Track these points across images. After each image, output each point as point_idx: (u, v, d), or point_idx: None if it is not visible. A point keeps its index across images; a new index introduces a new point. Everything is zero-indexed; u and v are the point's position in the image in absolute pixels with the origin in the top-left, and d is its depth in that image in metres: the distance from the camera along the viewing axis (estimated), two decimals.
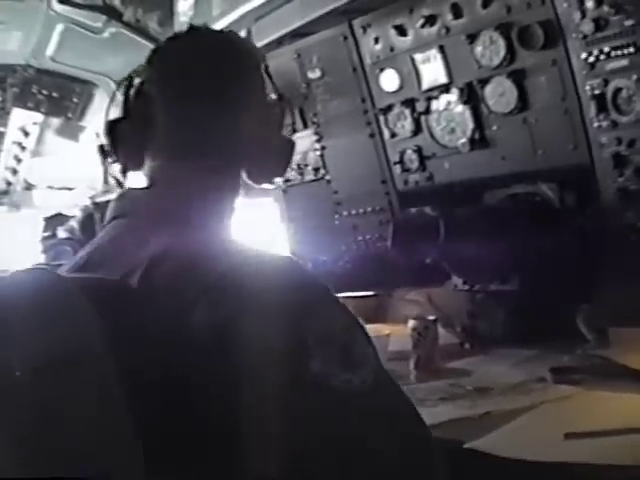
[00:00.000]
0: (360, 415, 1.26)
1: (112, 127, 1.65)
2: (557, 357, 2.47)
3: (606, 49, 2.32)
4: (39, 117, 5.05)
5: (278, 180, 1.76)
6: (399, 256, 2.84)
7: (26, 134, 5.23)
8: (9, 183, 5.60)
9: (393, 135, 3.14)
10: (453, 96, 2.85)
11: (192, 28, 1.73)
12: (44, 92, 4.72)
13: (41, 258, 4.40)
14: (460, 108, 2.83)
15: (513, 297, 2.84)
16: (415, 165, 3.09)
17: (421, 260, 2.70)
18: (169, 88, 1.60)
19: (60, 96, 4.77)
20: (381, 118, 3.16)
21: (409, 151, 3.09)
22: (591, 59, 2.36)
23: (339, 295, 1.38)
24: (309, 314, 1.28)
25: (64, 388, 1.11)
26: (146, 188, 1.60)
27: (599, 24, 2.30)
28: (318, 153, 3.47)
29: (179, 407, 1.24)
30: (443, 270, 2.92)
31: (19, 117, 5.03)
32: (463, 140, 2.85)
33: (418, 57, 2.90)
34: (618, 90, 2.33)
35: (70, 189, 5.50)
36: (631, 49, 2.26)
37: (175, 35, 1.71)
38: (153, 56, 1.67)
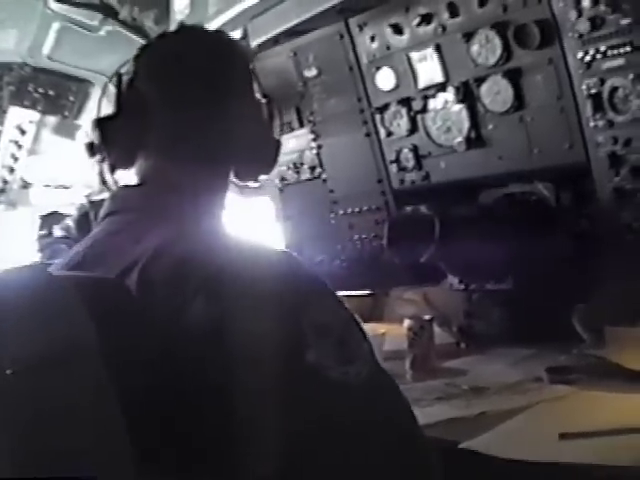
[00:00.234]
0: (353, 407, 1.27)
1: (102, 125, 1.65)
2: (553, 357, 2.48)
3: (602, 48, 2.31)
4: (35, 115, 5.04)
5: (264, 178, 1.76)
6: (395, 255, 2.84)
7: (22, 132, 5.21)
8: (5, 181, 5.58)
9: (389, 134, 3.14)
10: (449, 95, 2.84)
11: (182, 27, 1.74)
12: (40, 90, 4.70)
13: (37, 257, 4.39)
14: (456, 107, 2.83)
15: (509, 296, 2.85)
16: (411, 164, 3.08)
17: (417, 259, 2.70)
18: (159, 87, 1.61)
19: (56, 94, 4.76)
20: (377, 117, 3.15)
21: (405, 150, 3.09)
22: (587, 58, 2.36)
23: None
24: (306, 307, 1.29)
25: (58, 386, 1.11)
26: (139, 185, 1.60)
27: (595, 23, 2.30)
28: (314, 152, 3.46)
29: (176, 403, 1.24)
30: (439, 269, 2.92)
31: (15, 115, 5.02)
32: (459, 139, 2.85)
33: (414, 56, 2.89)
34: (614, 89, 2.33)
35: (66, 187, 5.49)
36: (627, 48, 2.25)
37: (164, 33, 1.71)
38: (142, 54, 1.68)
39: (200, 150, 1.60)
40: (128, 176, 1.66)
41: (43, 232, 4.75)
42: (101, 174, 1.70)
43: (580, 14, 2.33)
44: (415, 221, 2.76)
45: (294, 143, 3.50)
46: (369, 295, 3.50)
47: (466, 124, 2.81)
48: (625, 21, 2.24)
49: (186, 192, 1.56)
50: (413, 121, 3.02)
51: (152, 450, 1.19)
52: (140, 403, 1.19)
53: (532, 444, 1.84)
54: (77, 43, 4.13)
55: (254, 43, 3.02)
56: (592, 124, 2.42)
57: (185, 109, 1.59)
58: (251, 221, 3.81)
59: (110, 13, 3.87)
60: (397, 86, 3.02)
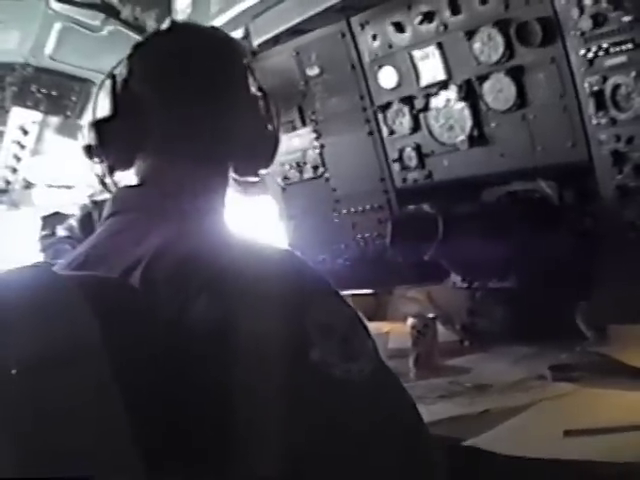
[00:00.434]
0: (357, 405, 1.27)
1: (98, 127, 1.65)
2: (556, 354, 2.48)
3: (605, 45, 2.31)
4: (38, 116, 5.05)
5: (265, 174, 1.76)
6: (398, 254, 2.84)
7: (25, 133, 5.22)
8: (8, 182, 5.59)
9: (392, 132, 3.14)
10: (452, 93, 2.84)
11: (174, 24, 1.74)
12: (43, 91, 4.70)
13: (40, 257, 4.39)
14: (459, 105, 2.83)
15: (512, 294, 2.85)
16: (414, 163, 3.08)
17: (420, 258, 2.70)
18: (154, 86, 1.61)
19: (59, 94, 4.76)
20: (380, 115, 3.15)
21: (408, 149, 3.09)
22: (590, 56, 2.35)
23: None
24: (309, 305, 1.29)
25: (62, 386, 1.11)
26: (139, 185, 1.61)
27: (597, 20, 2.30)
28: (317, 151, 3.46)
29: (179, 402, 1.24)
30: (442, 268, 2.92)
31: (18, 116, 5.03)
32: (462, 137, 2.85)
33: (416, 54, 2.89)
34: (617, 87, 2.32)
35: (69, 187, 5.50)
36: (629, 45, 2.25)
37: (157, 31, 1.71)
38: (135, 53, 1.67)
39: (198, 148, 1.60)
40: (128, 177, 1.67)
41: (45, 232, 4.75)
42: (100, 175, 1.70)
43: (582, 12, 2.33)
44: (418, 220, 2.76)
45: (297, 142, 3.50)
46: (372, 294, 3.50)
47: (468, 122, 2.81)
48: (627, 18, 2.23)
49: (186, 190, 1.56)
50: (415, 119, 3.02)
51: (156, 450, 1.19)
52: (144, 402, 1.19)
53: (536, 441, 1.85)
54: (79, 43, 4.13)
55: (256, 42, 3.03)
56: (595, 122, 2.42)
57: (181, 107, 1.60)
58: (254, 220, 3.81)
59: (112, 13, 3.87)
60: (399, 84, 3.02)
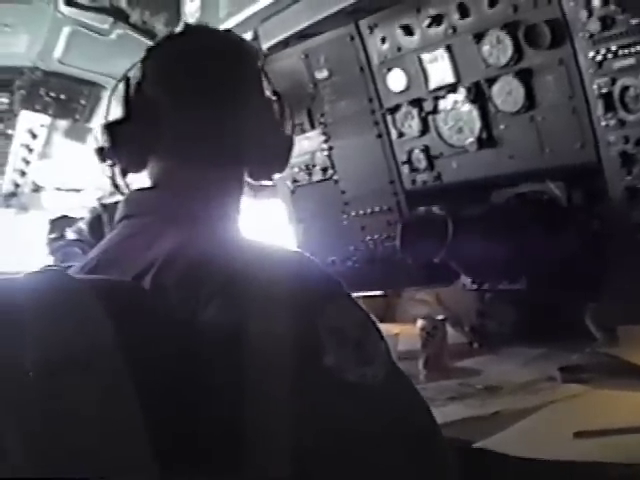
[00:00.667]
0: (372, 409, 1.28)
1: (111, 129, 1.66)
2: (566, 356, 2.48)
3: (613, 48, 2.31)
4: (47, 119, 5.06)
5: (277, 178, 1.77)
6: (408, 256, 2.84)
7: (34, 136, 5.24)
8: (17, 185, 5.61)
9: (401, 135, 3.14)
10: (460, 95, 2.84)
11: (188, 27, 1.75)
12: (52, 94, 4.72)
13: (49, 260, 4.40)
14: (467, 107, 2.83)
15: (521, 296, 2.85)
16: (423, 165, 3.08)
17: (429, 260, 2.70)
18: (168, 89, 1.62)
19: (67, 98, 4.77)
20: (388, 118, 3.15)
21: (417, 151, 3.09)
22: (598, 58, 2.36)
23: None
24: (321, 309, 1.29)
25: (77, 389, 1.12)
26: (152, 188, 1.62)
27: (606, 23, 2.30)
28: (326, 153, 3.47)
29: (192, 406, 1.25)
30: (452, 270, 2.92)
31: (27, 119, 5.04)
32: (471, 139, 2.85)
33: (425, 57, 2.89)
34: (625, 88, 2.33)
35: (78, 191, 5.51)
36: (638, 47, 2.25)
37: (171, 35, 1.72)
38: (149, 56, 1.68)
39: (211, 151, 1.61)
40: (140, 179, 1.68)
41: (54, 235, 4.76)
42: (113, 178, 1.71)
43: (591, 14, 2.33)
44: (427, 222, 2.76)
45: (306, 145, 3.50)
46: (382, 296, 3.51)
47: (477, 124, 2.81)
48: (635, 20, 2.24)
49: (199, 194, 1.57)
50: (424, 122, 3.02)
51: (169, 451, 1.20)
52: (157, 404, 1.20)
53: (547, 443, 1.85)
54: (88, 47, 4.14)
55: (265, 45, 3.03)
56: (603, 123, 2.42)
57: (195, 110, 1.60)
58: (263, 223, 3.82)
59: (121, 17, 3.88)
60: (408, 87, 3.02)
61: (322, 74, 3.31)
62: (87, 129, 5.08)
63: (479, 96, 2.78)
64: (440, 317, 2.86)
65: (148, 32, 3.92)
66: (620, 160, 2.41)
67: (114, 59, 4.28)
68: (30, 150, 5.37)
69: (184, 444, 1.26)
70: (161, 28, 3.85)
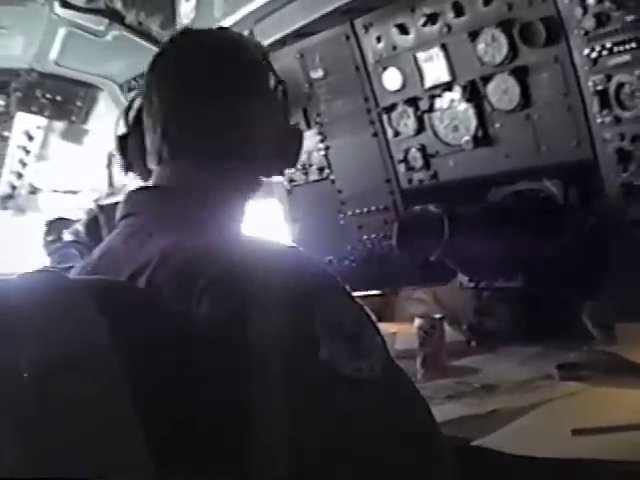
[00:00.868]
0: (369, 402, 1.27)
1: (120, 142, 1.72)
2: (564, 354, 2.48)
3: (608, 45, 2.31)
4: (43, 121, 5.06)
5: (287, 172, 1.78)
6: (404, 255, 2.84)
7: (30, 138, 5.24)
8: (14, 187, 5.60)
9: (397, 134, 3.14)
10: (456, 94, 2.84)
11: (189, 30, 1.76)
12: (48, 96, 4.72)
13: (47, 261, 4.40)
14: (463, 106, 2.83)
15: (519, 294, 2.85)
16: (419, 163, 3.09)
17: (426, 258, 2.70)
18: (170, 91, 1.62)
19: (64, 100, 4.77)
20: (384, 117, 3.16)
21: (413, 149, 3.09)
22: (593, 55, 2.36)
23: None
24: (317, 303, 1.29)
25: (73, 389, 1.12)
26: (151, 187, 1.63)
27: (601, 20, 2.30)
28: (322, 153, 3.47)
29: (188, 404, 1.25)
30: (449, 268, 2.92)
31: (23, 121, 5.04)
32: (467, 138, 2.85)
33: (420, 55, 2.90)
34: (621, 85, 2.33)
35: (75, 192, 5.51)
36: (633, 44, 2.26)
37: (173, 37, 1.72)
38: (155, 60, 1.68)
39: (211, 150, 1.61)
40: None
41: (49, 238, 4.76)
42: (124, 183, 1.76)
43: (585, 11, 2.33)
44: (424, 220, 2.76)
45: None
46: (379, 295, 3.50)
47: (473, 123, 2.81)
48: (630, 17, 2.24)
49: (197, 192, 1.58)
50: (420, 120, 3.03)
51: (166, 450, 1.20)
52: (154, 403, 1.20)
53: (545, 441, 1.85)
54: (83, 48, 4.14)
55: None
56: (599, 120, 2.42)
57: (194, 109, 1.60)
58: (260, 223, 3.82)
59: (116, 18, 3.88)
60: (404, 86, 3.03)
61: (318, 73, 3.32)
62: (83, 130, 5.08)
63: (474, 94, 2.78)
64: (437, 316, 2.85)
65: (144, 33, 3.92)
66: (616, 157, 2.41)
67: (110, 60, 4.29)
68: (27, 152, 5.36)
69: (180, 442, 1.26)
70: (156, 29, 3.85)
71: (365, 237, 3.42)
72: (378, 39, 3.04)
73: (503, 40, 2.58)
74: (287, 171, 1.79)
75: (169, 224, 1.48)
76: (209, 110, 1.60)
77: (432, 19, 2.78)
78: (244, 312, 1.25)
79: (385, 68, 3.06)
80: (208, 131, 1.60)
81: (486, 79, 2.72)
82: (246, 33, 3.02)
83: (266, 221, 3.88)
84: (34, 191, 5.64)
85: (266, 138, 1.65)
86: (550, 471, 1.66)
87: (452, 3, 2.70)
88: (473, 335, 3.02)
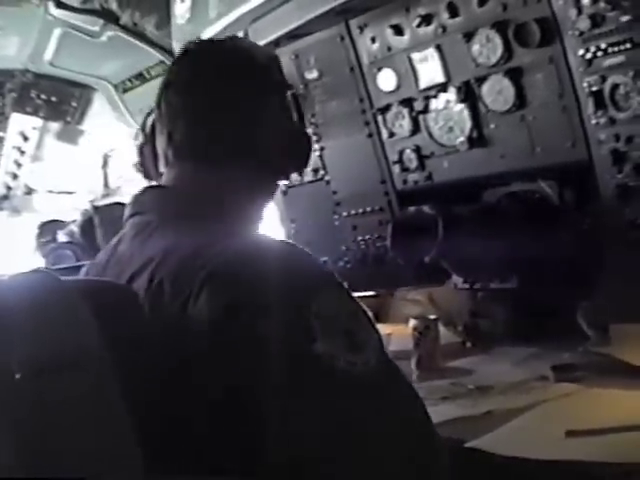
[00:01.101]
0: (362, 398, 1.28)
1: (138, 150, 1.80)
2: (558, 355, 2.48)
3: (603, 46, 2.31)
4: (38, 122, 5.06)
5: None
6: (399, 256, 2.84)
7: (25, 139, 5.23)
8: (9, 188, 5.60)
9: (391, 135, 3.14)
10: (451, 95, 2.84)
11: (202, 41, 1.82)
12: (43, 97, 4.72)
13: (41, 262, 4.40)
14: (458, 107, 2.83)
15: (514, 295, 2.85)
16: (414, 164, 3.08)
17: (421, 259, 2.70)
18: (175, 96, 1.66)
19: (59, 100, 4.77)
20: (379, 118, 3.15)
21: (408, 150, 3.09)
22: (588, 56, 2.36)
23: None
24: (314, 296, 1.30)
25: (64, 390, 1.12)
26: (156, 187, 1.70)
27: (595, 21, 2.30)
28: (317, 154, 3.46)
29: (180, 404, 1.26)
30: (443, 269, 2.92)
31: (18, 122, 5.04)
32: (461, 139, 2.85)
33: (415, 56, 2.89)
34: (615, 86, 2.33)
35: (70, 193, 5.51)
36: (628, 45, 2.26)
37: (185, 47, 1.74)
38: (168, 70, 1.75)
39: (214, 154, 1.64)
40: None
41: (43, 239, 4.75)
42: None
43: (580, 12, 2.33)
44: (419, 221, 2.76)
45: None
46: (374, 296, 3.50)
47: (468, 124, 2.81)
48: (625, 18, 2.24)
49: (198, 193, 1.61)
50: (415, 121, 3.02)
51: (157, 450, 1.20)
52: (146, 404, 1.21)
53: (539, 442, 1.85)
54: (78, 49, 4.14)
55: None
56: (594, 122, 2.42)
57: (199, 115, 1.64)
58: None
59: (111, 19, 3.88)
60: (398, 87, 3.02)
61: (312, 74, 3.31)
62: (79, 131, 5.08)
63: (469, 95, 2.78)
64: (432, 317, 2.86)
65: (138, 33, 3.92)
66: (611, 158, 2.41)
67: (105, 61, 4.29)
68: (22, 153, 5.36)
69: (172, 443, 1.27)
70: (151, 29, 3.86)
71: (360, 238, 3.42)
72: (373, 40, 3.03)
73: (498, 41, 2.58)
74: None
75: (171, 222, 1.51)
76: (210, 113, 1.63)
77: (427, 20, 2.78)
78: (242, 304, 1.28)
79: (380, 69, 3.06)
80: (209, 133, 1.63)
81: (481, 80, 2.71)
82: (241, 34, 3.02)
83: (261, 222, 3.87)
84: (29, 192, 5.64)
85: (270, 141, 1.67)
86: (543, 472, 1.66)
87: (447, 4, 2.70)
88: (468, 336, 3.02)
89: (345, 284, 1.42)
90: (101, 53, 4.14)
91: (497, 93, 2.67)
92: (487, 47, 2.62)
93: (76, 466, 1.10)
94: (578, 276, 2.59)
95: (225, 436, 1.25)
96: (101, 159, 5.23)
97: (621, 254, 2.46)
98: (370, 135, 3.23)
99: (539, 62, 2.52)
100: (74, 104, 4.80)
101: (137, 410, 1.16)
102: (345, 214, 3.46)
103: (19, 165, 5.47)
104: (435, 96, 2.92)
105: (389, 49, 2.99)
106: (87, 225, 4.48)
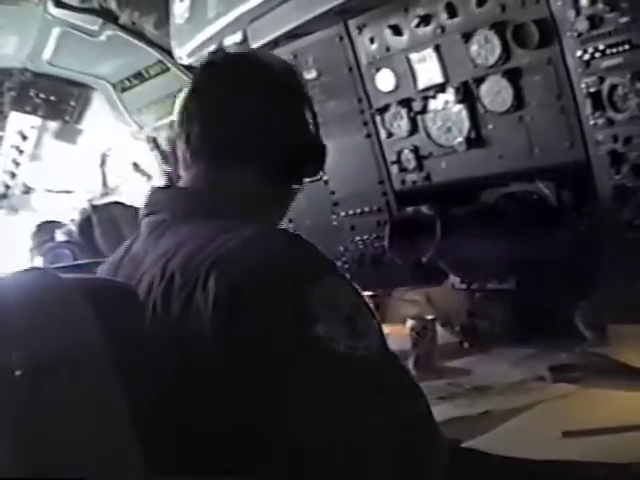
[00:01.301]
0: (363, 381, 1.30)
1: (165, 157, 1.83)
2: (556, 355, 2.48)
3: (601, 47, 2.31)
4: (37, 121, 5.06)
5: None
6: (397, 256, 2.85)
7: (24, 138, 5.24)
8: (7, 187, 5.61)
9: (390, 135, 3.14)
10: (449, 95, 2.84)
11: (226, 54, 1.88)
12: (41, 96, 4.72)
13: (35, 262, 4.39)
14: (456, 107, 2.83)
15: (511, 295, 2.85)
16: (412, 165, 3.08)
17: (419, 260, 2.71)
18: (192, 103, 1.72)
19: (57, 99, 4.78)
20: (378, 118, 3.15)
21: (406, 151, 3.09)
22: (586, 57, 2.36)
23: None
24: (317, 282, 1.33)
25: (63, 388, 1.13)
26: (167, 187, 1.77)
27: (594, 22, 2.30)
28: None
29: (180, 403, 1.29)
30: (441, 269, 2.92)
31: (17, 121, 5.04)
32: (460, 139, 2.85)
33: (414, 57, 2.89)
34: (613, 87, 2.33)
35: (68, 192, 5.51)
36: (626, 46, 2.25)
37: (209, 60, 1.79)
38: (191, 80, 1.79)
39: (224, 156, 1.67)
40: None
41: (38, 239, 4.75)
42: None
43: (578, 13, 2.33)
44: (417, 222, 2.76)
45: None
46: (371, 296, 3.50)
47: (466, 124, 2.81)
48: (623, 19, 2.24)
49: (209, 192, 1.65)
50: (413, 122, 3.02)
51: (158, 449, 1.21)
52: (145, 402, 1.22)
53: (536, 442, 1.85)
54: (77, 48, 4.15)
55: (254, 46, 3.03)
56: (592, 122, 2.42)
57: (212, 119, 1.68)
58: None
59: (110, 18, 3.88)
60: (397, 87, 3.02)
61: (311, 74, 3.31)
62: (77, 130, 5.09)
63: (468, 96, 2.78)
64: (430, 317, 2.86)
65: (137, 33, 3.92)
66: (609, 159, 2.40)
67: (104, 60, 4.29)
68: (20, 152, 5.37)
69: (172, 442, 1.27)
70: (150, 29, 3.86)
71: (358, 238, 3.42)
72: (371, 40, 3.03)
73: (496, 42, 2.58)
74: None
75: (183, 220, 1.55)
76: (224, 113, 1.67)
77: (425, 20, 2.78)
78: (246, 286, 1.31)
79: (378, 69, 3.06)
80: (222, 132, 1.67)
81: (479, 81, 2.71)
82: (240, 34, 3.03)
83: None
84: (27, 191, 5.65)
85: (283, 145, 1.70)
86: (540, 473, 1.67)
87: (445, 4, 2.70)
88: (465, 336, 3.03)
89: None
90: (100, 52, 4.14)
91: (495, 94, 2.68)
92: (485, 48, 2.62)
93: (76, 465, 1.11)
94: (576, 277, 2.59)
95: (225, 421, 1.28)
96: (99, 158, 5.24)
97: (619, 255, 2.47)
98: (368, 135, 3.24)
99: (537, 63, 2.52)
100: (73, 103, 4.81)
101: (137, 408, 1.17)
102: (343, 214, 3.46)
103: (17, 164, 5.47)
104: (433, 96, 2.92)
105: (388, 49, 2.99)
106: (85, 224, 4.47)
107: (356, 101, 3.22)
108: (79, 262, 3.86)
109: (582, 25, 2.33)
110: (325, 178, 3.46)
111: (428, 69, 2.87)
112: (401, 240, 2.80)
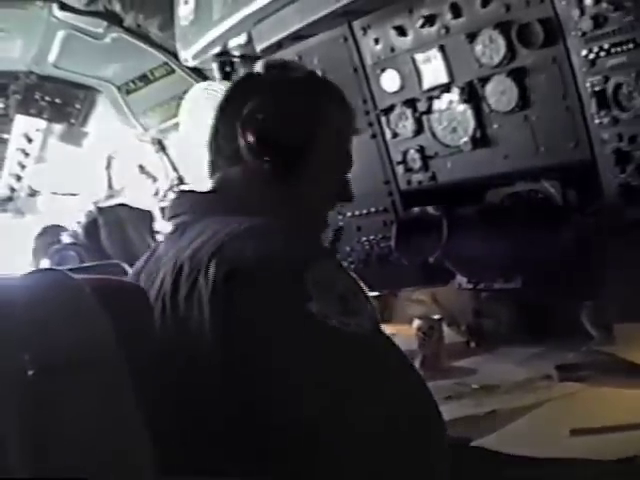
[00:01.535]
0: (355, 354, 1.31)
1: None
2: (562, 354, 2.49)
3: (606, 46, 2.31)
4: (42, 123, 5.07)
5: None
6: (403, 256, 2.85)
7: (29, 140, 5.25)
8: (13, 189, 5.62)
9: (395, 135, 3.14)
10: (454, 95, 2.84)
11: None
12: (47, 98, 4.73)
13: (44, 263, 4.40)
14: (461, 107, 2.83)
15: (517, 295, 2.85)
16: (418, 165, 3.08)
17: (425, 260, 2.71)
18: (222, 113, 1.78)
19: (63, 102, 4.78)
20: (383, 118, 3.15)
21: (411, 151, 3.09)
22: (591, 56, 2.36)
23: None
24: (311, 265, 1.35)
25: (76, 387, 1.13)
26: (189, 192, 1.83)
27: (598, 21, 2.30)
28: None
29: (191, 403, 1.31)
30: (447, 269, 2.92)
31: (22, 124, 5.05)
32: (465, 139, 2.85)
33: (419, 57, 2.89)
34: (618, 86, 2.33)
35: (74, 195, 5.52)
36: (630, 45, 2.25)
37: (250, 74, 1.87)
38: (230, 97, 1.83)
39: (256, 158, 1.71)
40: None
41: (49, 240, 4.76)
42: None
43: (583, 12, 2.33)
44: (423, 222, 2.76)
45: None
46: (378, 296, 3.51)
47: (471, 124, 2.81)
48: (628, 19, 2.24)
49: (230, 192, 1.72)
50: (419, 122, 3.02)
51: (170, 447, 1.21)
52: (156, 402, 1.23)
53: (543, 441, 1.86)
54: (82, 51, 4.15)
55: (259, 48, 3.04)
56: (597, 121, 2.42)
57: (253, 121, 1.72)
58: None
59: (115, 20, 3.88)
60: (402, 87, 3.02)
61: None
62: (82, 133, 5.09)
63: (473, 96, 2.77)
64: (436, 317, 2.87)
65: (142, 35, 3.92)
66: (614, 158, 2.40)
67: (109, 63, 4.30)
68: (26, 154, 5.38)
69: (184, 441, 1.28)
70: (155, 31, 3.86)
71: (364, 238, 3.42)
72: (376, 41, 3.03)
73: (501, 41, 2.58)
74: None
75: (201, 219, 1.59)
76: (257, 120, 1.70)
77: (430, 20, 2.78)
78: (241, 269, 1.33)
79: (383, 70, 3.06)
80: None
81: (484, 80, 2.71)
82: (244, 35, 3.03)
83: None
84: (33, 194, 5.66)
85: (309, 162, 1.76)
86: (548, 471, 1.67)
87: (450, 4, 2.69)
88: (472, 336, 3.03)
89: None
90: (105, 55, 4.15)
91: (500, 93, 2.68)
92: (490, 47, 2.63)
93: (87, 466, 1.11)
94: (582, 276, 2.59)
95: (226, 409, 1.29)
96: (105, 160, 5.25)
97: (625, 253, 2.47)
98: (374, 136, 3.24)
99: (542, 62, 2.52)
100: (78, 106, 4.82)
101: (148, 407, 1.18)
102: (349, 214, 3.46)
103: (23, 167, 5.49)
104: (438, 97, 2.92)
105: (392, 50, 2.99)
106: (91, 226, 4.49)
107: (361, 102, 3.22)
108: (85, 264, 3.86)
109: (586, 24, 2.33)
110: None
111: (433, 69, 2.87)
112: (407, 240, 2.80)
